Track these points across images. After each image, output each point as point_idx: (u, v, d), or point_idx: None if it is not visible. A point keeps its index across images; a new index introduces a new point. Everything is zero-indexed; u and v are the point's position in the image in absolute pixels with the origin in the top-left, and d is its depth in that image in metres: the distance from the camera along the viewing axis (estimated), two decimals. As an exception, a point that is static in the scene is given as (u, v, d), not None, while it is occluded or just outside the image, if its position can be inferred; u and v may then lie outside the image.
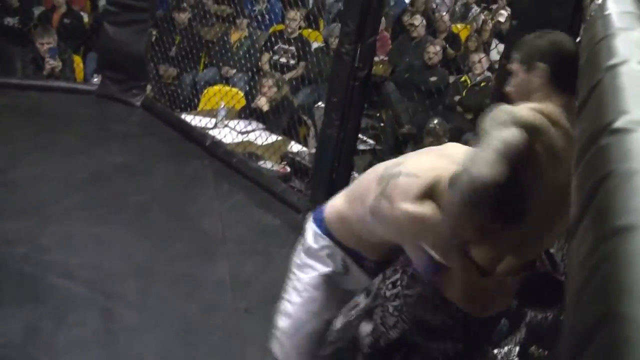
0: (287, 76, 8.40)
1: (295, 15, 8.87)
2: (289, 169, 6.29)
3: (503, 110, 2.21)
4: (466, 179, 1.99)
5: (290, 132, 7.10)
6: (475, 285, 2.35)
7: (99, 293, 4.31)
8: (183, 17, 9.00)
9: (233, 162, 6.42)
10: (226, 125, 7.08)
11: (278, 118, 7.15)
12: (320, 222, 2.80)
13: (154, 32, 8.17)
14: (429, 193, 2.29)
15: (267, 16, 9.78)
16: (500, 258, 2.31)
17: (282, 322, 2.93)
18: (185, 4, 9.35)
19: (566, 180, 2.08)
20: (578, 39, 2.62)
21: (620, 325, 0.63)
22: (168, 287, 4.48)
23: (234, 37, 9.12)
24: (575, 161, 1.13)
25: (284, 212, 5.75)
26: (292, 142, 6.88)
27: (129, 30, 7.56)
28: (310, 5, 10.44)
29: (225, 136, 6.90)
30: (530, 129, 2.16)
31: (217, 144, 6.75)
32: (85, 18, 9.78)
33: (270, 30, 9.53)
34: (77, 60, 8.40)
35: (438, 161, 2.40)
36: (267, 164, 6.43)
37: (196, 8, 9.57)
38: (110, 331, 4.02)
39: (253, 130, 7.01)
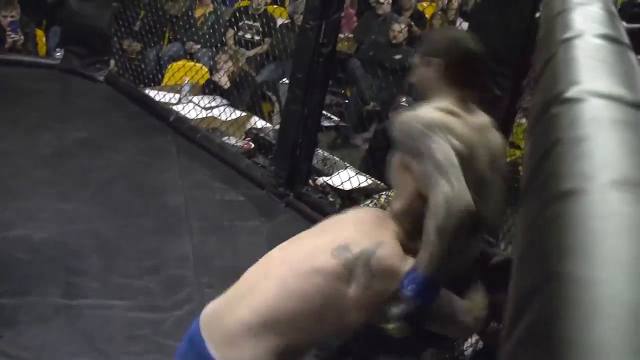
0: (252, 52, 8.38)
1: (260, -10, 8.84)
2: (252, 145, 6.28)
3: (417, 120, 2.36)
4: (447, 212, 2.16)
5: (254, 108, 7.09)
6: None
7: (62, 269, 4.29)
8: (147, -9, 8.94)
9: (197, 138, 6.40)
10: (190, 101, 7.05)
11: (241, 93, 7.14)
12: None
13: (118, 6, 8.09)
14: (404, 249, 2.35)
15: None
16: None
17: None
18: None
19: (479, 165, 2.36)
20: (538, 14, 2.67)
21: (562, 285, 0.65)
22: (131, 263, 4.47)
23: (199, 12, 9.07)
24: (528, 130, 1.16)
25: (247, 187, 5.75)
26: (256, 118, 6.87)
27: (92, 4, 7.48)
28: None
29: (189, 112, 6.87)
30: (446, 131, 2.32)
31: (181, 119, 6.72)
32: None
33: (235, 5, 9.49)
34: (40, 34, 8.30)
35: (364, 227, 2.42)
36: (231, 140, 6.41)
37: (161, -18, 9.50)
38: (73, 307, 4.01)
39: (217, 106, 6.99)
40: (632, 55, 1.31)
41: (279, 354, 2.28)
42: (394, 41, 8.37)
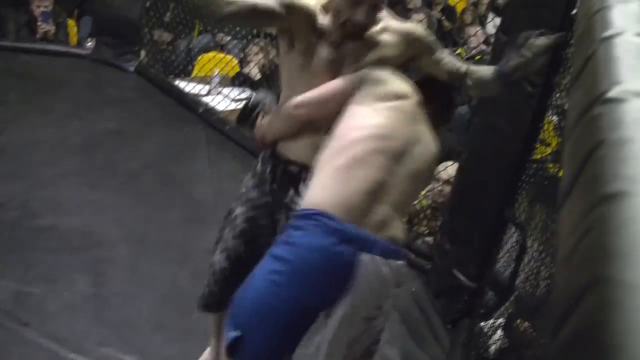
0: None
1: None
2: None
3: None
4: None
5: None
6: None
7: (89, 258, 4.31)
8: (178, -17, 8.95)
9: (226, 130, 6.40)
10: (220, 92, 7.06)
11: (271, 86, 7.13)
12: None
13: (150, -3, 8.11)
14: None
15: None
16: None
17: None
18: (181, -30, 9.29)
19: None
20: (575, 11, 2.65)
21: (608, 289, 0.64)
22: (159, 254, 4.49)
23: (230, 4, 9.05)
24: (568, 129, 1.14)
25: (276, 180, 5.74)
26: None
27: (124, -5, 7.53)
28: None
29: (218, 103, 6.88)
30: None
31: (211, 110, 6.73)
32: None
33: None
34: (71, 23, 8.34)
35: None
36: (260, 132, 6.40)
37: (192, -26, 9.49)
38: (100, 296, 4.03)
39: (247, 98, 6.98)
40: None
41: None
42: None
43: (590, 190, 0.83)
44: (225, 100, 6.94)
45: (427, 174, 2.68)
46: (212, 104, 6.86)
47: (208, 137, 6.34)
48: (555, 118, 4.16)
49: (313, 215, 2.37)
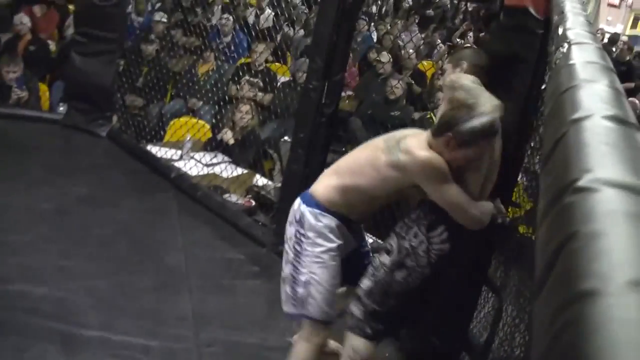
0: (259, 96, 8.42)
1: (262, 48, 8.91)
2: (253, 203, 6.29)
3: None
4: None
5: (256, 166, 7.10)
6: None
7: (60, 326, 4.26)
8: (151, 48, 9.01)
9: (198, 195, 6.41)
10: (192, 158, 7.07)
11: (244, 151, 7.16)
12: (315, 204, 3.55)
13: (122, 63, 8.16)
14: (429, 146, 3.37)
15: (234, 49, 9.84)
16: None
17: (313, 288, 3.54)
18: (153, 36, 9.37)
19: None
20: (544, 86, 2.71)
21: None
22: (131, 322, 4.44)
23: (202, 69, 9.13)
24: (540, 217, 1.15)
25: (248, 246, 5.74)
26: (258, 176, 6.89)
27: (96, 61, 7.55)
28: (278, 40, 10.46)
29: (190, 169, 6.89)
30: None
31: (183, 176, 6.74)
32: (53, 46, 9.74)
33: (238, 63, 9.55)
34: (43, 88, 8.36)
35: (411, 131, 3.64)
36: (233, 197, 6.42)
37: (164, 40, 9.59)
38: (71, 365, 3.98)
39: (219, 163, 7.01)
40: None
41: (343, 189, 3.54)
42: (391, 97, 8.44)
43: (563, 286, 0.84)
44: (197, 166, 6.95)
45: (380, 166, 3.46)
46: (184, 169, 6.87)
47: (179, 203, 6.34)
48: (525, 180, 4.19)
49: None
